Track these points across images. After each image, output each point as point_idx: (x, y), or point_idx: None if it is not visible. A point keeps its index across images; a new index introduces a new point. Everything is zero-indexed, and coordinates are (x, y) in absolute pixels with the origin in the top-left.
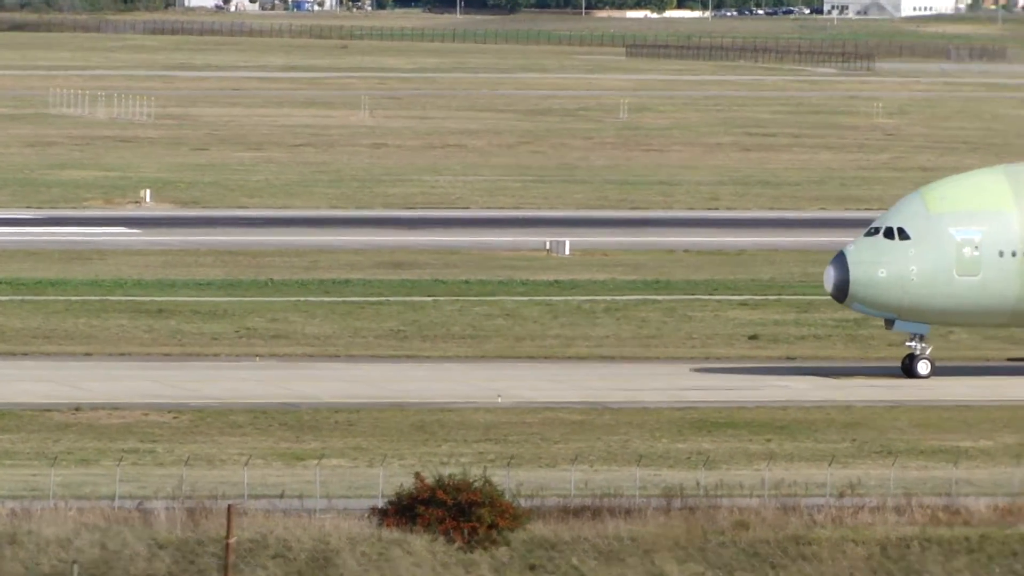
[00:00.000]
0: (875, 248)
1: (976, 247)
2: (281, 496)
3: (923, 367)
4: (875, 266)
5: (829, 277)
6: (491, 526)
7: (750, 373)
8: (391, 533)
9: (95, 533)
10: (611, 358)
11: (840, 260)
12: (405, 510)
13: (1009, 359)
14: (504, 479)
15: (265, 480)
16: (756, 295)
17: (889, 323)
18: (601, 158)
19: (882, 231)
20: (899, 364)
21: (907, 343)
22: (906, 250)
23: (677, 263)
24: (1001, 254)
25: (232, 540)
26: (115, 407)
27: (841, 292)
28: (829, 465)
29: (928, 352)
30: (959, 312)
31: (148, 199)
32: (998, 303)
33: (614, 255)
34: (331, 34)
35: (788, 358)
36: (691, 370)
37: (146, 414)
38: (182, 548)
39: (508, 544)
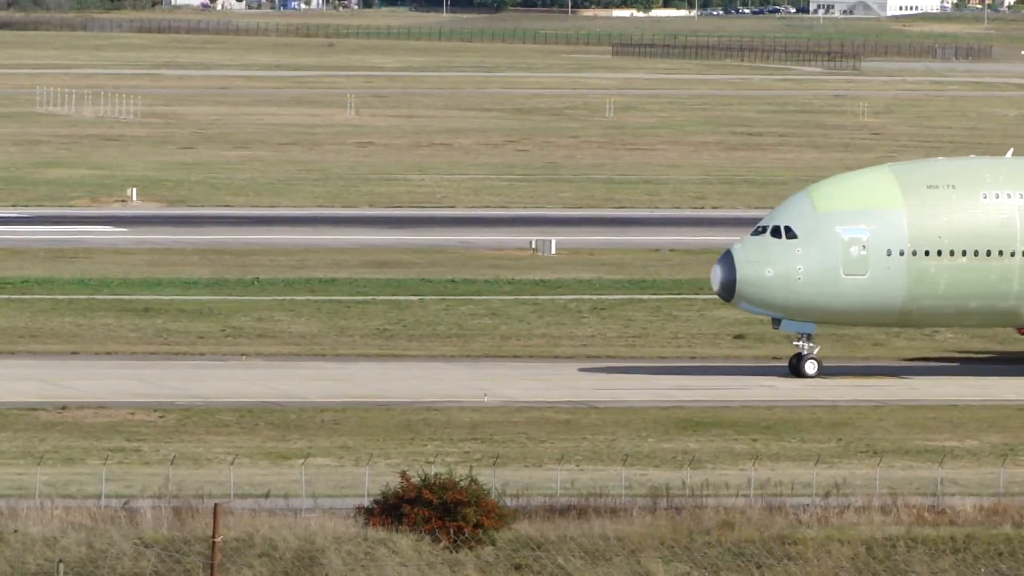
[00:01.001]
0: (762, 247)
1: (863, 246)
2: (267, 495)
3: (810, 367)
4: (762, 265)
5: (716, 276)
6: (477, 525)
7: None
8: (377, 532)
9: (81, 532)
10: (597, 357)
11: (727, 259)
12: (391, 509)
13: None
14: (490, 478)
15: (251, 479)
16: None
17: (776, 322)
18: (587, 157)
19: (769, 230)
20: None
21: (794, 343)
22: (793, 249)
23: (663, 262)
24: (889, 253)
25: (218, 539)
26: (101, 406)
27: (728, 291)
28: (815, 465)
29: (816, 352)
30: (846, 311)
31: (134, 198)
32: (886, 302)
33: (600, 254)
34: (317, 33)
35: (774, 358)
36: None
37: (132, 413)
38: (168, 547)
39: (494, 544)
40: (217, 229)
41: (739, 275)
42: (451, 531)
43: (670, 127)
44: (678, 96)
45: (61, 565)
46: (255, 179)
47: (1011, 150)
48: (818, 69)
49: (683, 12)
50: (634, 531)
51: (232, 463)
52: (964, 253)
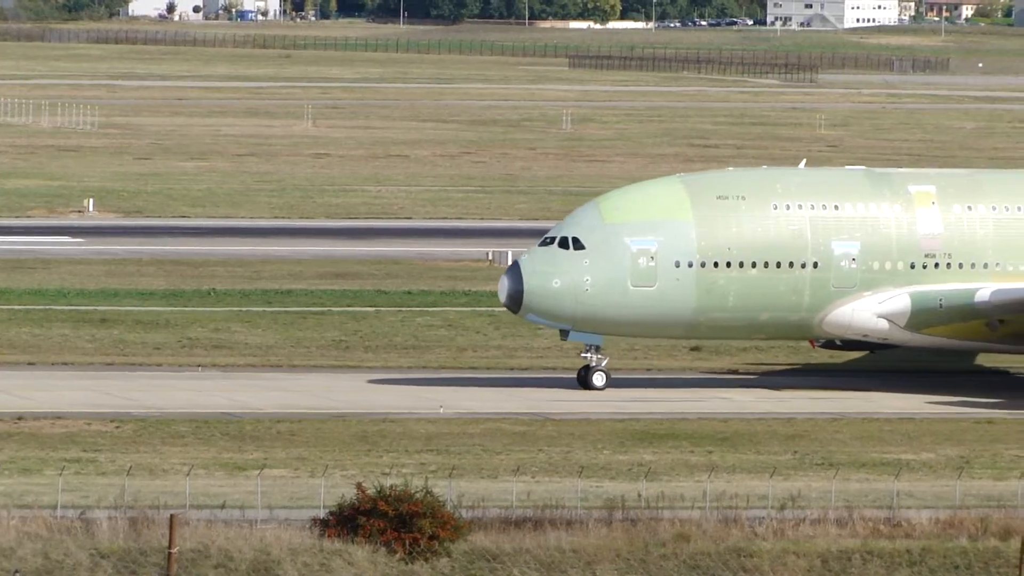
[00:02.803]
0: (550, 258)
1: (652, 257)
2: (223, 506)
3: (598, 379)
4: (549, 276)
5: (503, 287)
6: (432, 537)
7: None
8: (332, 544)
9: (37, 542)
10: (553, 369)
11: (514, 270)
12: (346, 521)
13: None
14: (446, 490)
15: (207, 490)
16: None
17: (564, 334)
18: (544, 169)
19: (557, 241)
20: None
21: (582, 354)
22: (580, 260)
23: None
24: (677, 264)
25: (174, 550)
26: (57, 416)
27: (515, 303)
28: (770, 477)
29: (604, 364)
30: (634, 323)
31: (91, 208)
32: (674, 314)
33: None
34: (275, 44)
35: (731, 371)
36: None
37: (88, 423)
38: (124, 558)
39: (449, 555)
40: (174, 240)
41: (526, 286)
42: (407, 543)
43: (627, 139)
44: (635, 108)
45: (17, 575)
46: (212, 190)
47: (804, 160)
48: (775, 81)
49: (640, 24)
50: (590, 543)
51: (188, 474)
52: (754, 265)
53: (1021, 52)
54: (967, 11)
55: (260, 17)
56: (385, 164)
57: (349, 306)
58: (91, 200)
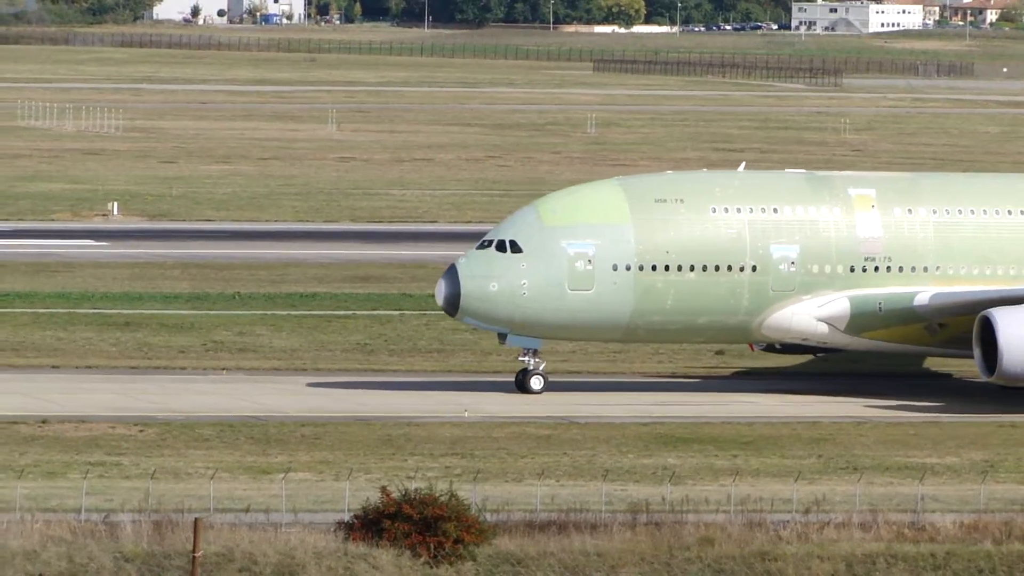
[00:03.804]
0: (487, 261)
1: (589, 261)
2: (247, 510)
3: (536, 383)
4: (487, 279)
5: (440, 291)
6: (457, 541)
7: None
8: (357, 547)
9: (61, 546)
10: (578, 372)
11: (452, 273)
12: (371, 524)
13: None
14: (470, 494)
15: (231, 494)
16: None
17: (502, 337)
18: (568, 172)
19: (495, 244)
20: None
21: (520, 358)
22: (518, 263)
23: None
24: (615, 268)
25: (199, 554)
26: (82, 420)
27: (452, 306)
28: (795, 481)
29: (542, 367)
30: (572, 327)
31: (116, 212)
32: (612, 318)
33: None
34: (299, 48)
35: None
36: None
37: (112, 427)
38: (148, 561)
39: (474, 559)
40: (198, 243)
41: (463, 289)
42: (431, 546)
43: (651, 143)
44: (659, 112)
45: None
46: (236, 193)
47: (743, 164)
48: (800, 86)
49: (665, 28)
50: (614, 547)
51: (212, 477)
52: (692, 268)
53: None
54: (992, 16)
55: (285, 21)
56: (410, 168)
57: (374, 310)
58: (115, 203)
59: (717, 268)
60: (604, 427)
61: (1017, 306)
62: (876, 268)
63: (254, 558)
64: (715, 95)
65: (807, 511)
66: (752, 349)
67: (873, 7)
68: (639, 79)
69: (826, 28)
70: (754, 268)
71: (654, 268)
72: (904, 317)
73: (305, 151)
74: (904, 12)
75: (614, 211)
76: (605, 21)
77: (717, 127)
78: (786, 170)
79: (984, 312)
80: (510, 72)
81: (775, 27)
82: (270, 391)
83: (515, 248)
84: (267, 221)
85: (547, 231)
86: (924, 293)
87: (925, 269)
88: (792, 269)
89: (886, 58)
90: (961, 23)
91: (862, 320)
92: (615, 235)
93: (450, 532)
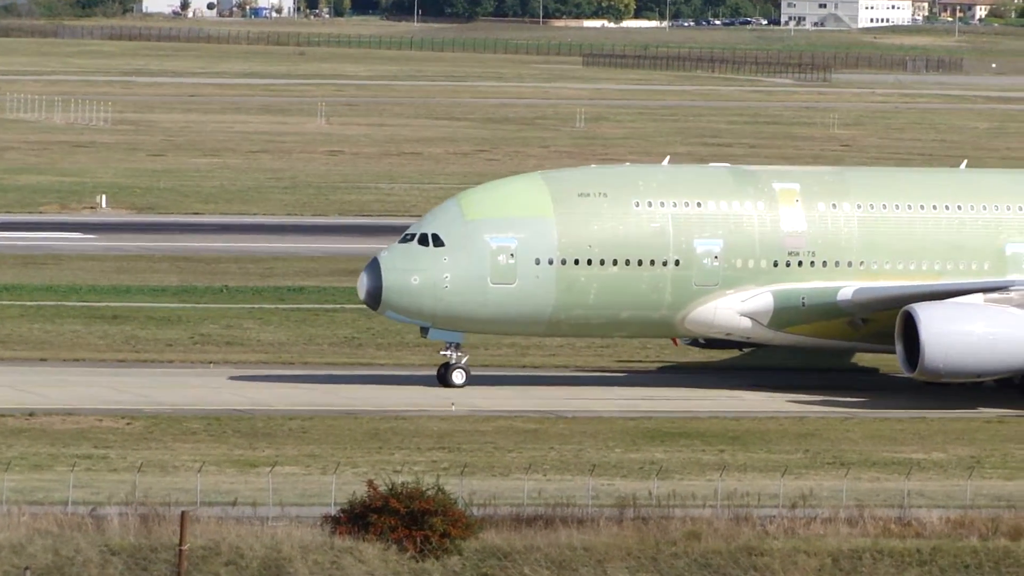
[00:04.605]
0: (409, 255)
1: (512, 254)
2: (234, 503)
3: (458, 376)
4: (408, 273)
5: (362, 284)
6: (444, 535)
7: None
8: (343, 541)
9: (48, 539)
10: (565, 367)
11: (373, 267)
12: (358, 518)
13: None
14: (457, 487)
15: (218, 487)
16: None
17: (424, 331)
18: (557, 166)
19: (417, 238)
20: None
21: (442, 352)
22: (440, 257)
23: None
24: (538, 262)
25: (185, 547)
26: (69, 413)
27: (374, 300)
28: (782, 476)
29: (464, 361)
30: (494, 321)
31: (104, 204)
32: (535, 312)
33: None
34: (288, 41)
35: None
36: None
37: (100, 420)
38: (135, 555)
39: (460, 553)
40: (186, 236)
41: (385, 283)
42: (418, 540)
43: (640, 137)
44: (648, 107)
45: (28, 572)
46: (225, 187)
47: (667, 158)
48: (789, 81)
49: (654, 23)
50: (600, 541)
51: (199, 471)
52: (615, 262)
53: None
54: (981, 11)
55: (274, 14)
56: (398, 162)
57: (361, 303)
58: (103, 196)
59: (640, 262)
60: (591, 421)
61: (939, 301)
62: (800, 263)
63: (240, 551)
64: (704, 90)
65: (794, 506)
66: (675, 344)
67: (862, 3)
68: (628, 74)
69: (815, 23)
70: (677, 262)
71: (576, 262)
72: (827, 312)
73: (294, 144)
74: (893, 8)
75: (537, 205)
76: (595, 16)
77: (706, 122)
78: (710, 164)
79: (906, 307)
80: (499, 66)
81: (764, 22)
82: (257, 384)
83: (437, 242)
84: (255, 214)
85: (469, 225)
86: (848, 288)
87: (849, 264)
88: (715, 263)
89: (875, 53)
90: (950, 19)
91: (785, 315)
92: (537, 229)
93: (437, 526)
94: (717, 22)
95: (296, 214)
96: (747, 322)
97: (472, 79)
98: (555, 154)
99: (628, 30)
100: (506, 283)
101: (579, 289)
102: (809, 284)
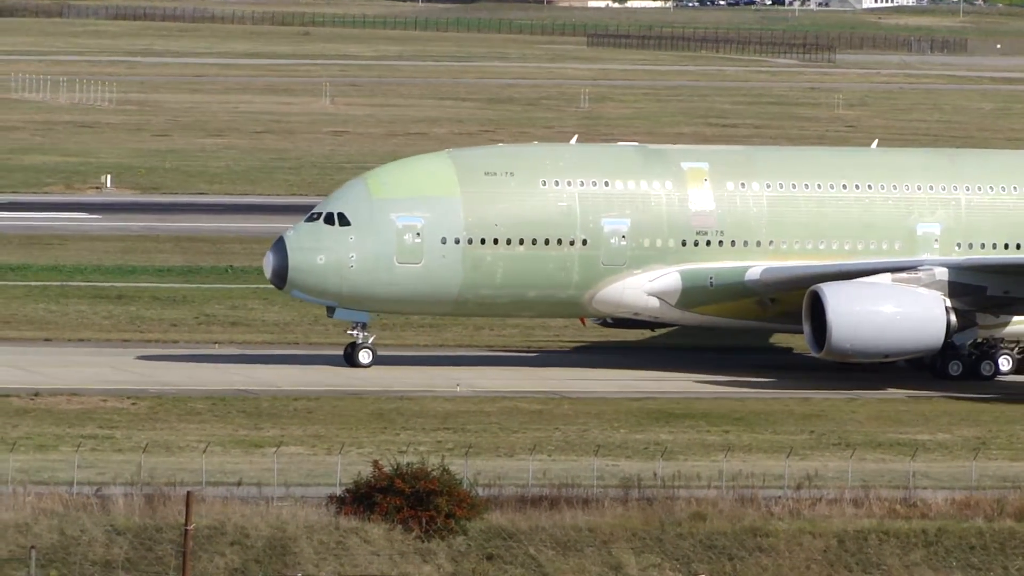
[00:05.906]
0: (315, 234)
1: (418, 233)
2: (239, 483)
3: (364, 356)
4: (314, 252)
5: (268, 263)
6: (448, 515)
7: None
8: (348, 521)
9: (53, 519)
10: (568, 346)
11: (279, 245)
12: (363, 498)
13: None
14: (462, 468)
15: (223, 467)
16: None
17: (331, 310)
18: None
19: (323, 216)
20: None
21: (349, 331)
22: (346, 236)
23: None
24: (444, 241)
25: (190, 527)
26: (74, 393)
27: (280, 279)
28: (787, 457)
29: (371, 341)
30: (401, 300)
31: (109, 185)
32: (441, 291)
33: None
34: (293, 21)
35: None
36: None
37: (105, 400)
38: (140, 534)
39: (465, 533)
40: (191, 216)
41: (291, 262)
42: (423, 521)
43: (645, 118)
44: (653, 87)
45: (33, 552)
46: (230, 167)
47: (575, 136)
48: (793, 61)
49: (658, 3)
50: (606, 522)
51: (204, 451)
52: (522, 242)
53: None
54: None
55: None
56: (403, 142)
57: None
58: (108, 176)
59: (547, 242)
60: (596, 402)
61: (847, 281)
62: (708, 242)
63: (246, 531)
64: (709, 70)
65: (799, 487)
66: (584, 324)
67: None
68: (633, 54)
69: (820, 4)
70: (584, 242)
71: (483, 242)
72: (735, 292)
73: (299, 124)
74: None
75: (443, 184)
76: None
77: (711, 102)
78: (619, 143)
79: (813, 287)
80: (504, 46)
81: (769, 2)
82: (262, 365)
83: (343, 221)
84: (260, 195)
85: (376, 203)
86: (756, 268)
87: (757, 243)
88: (623, 243)
89: (880, 34)
90: None
91: (693, 295)
92: (444, 208)
93: (442, 507)
94: (721, 2)
95: (301, 194)
96: (655, 302)
97: (476, 59)
98: (559, 134)
99: (632, 10)
100: (412, 262)
101: (486, 269)
102: (717, 264)
